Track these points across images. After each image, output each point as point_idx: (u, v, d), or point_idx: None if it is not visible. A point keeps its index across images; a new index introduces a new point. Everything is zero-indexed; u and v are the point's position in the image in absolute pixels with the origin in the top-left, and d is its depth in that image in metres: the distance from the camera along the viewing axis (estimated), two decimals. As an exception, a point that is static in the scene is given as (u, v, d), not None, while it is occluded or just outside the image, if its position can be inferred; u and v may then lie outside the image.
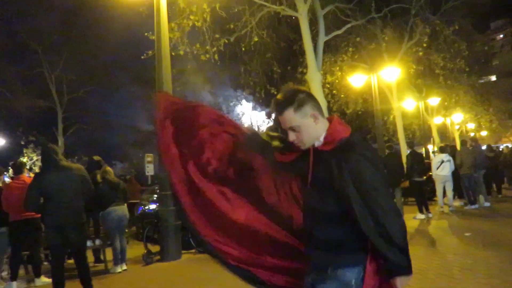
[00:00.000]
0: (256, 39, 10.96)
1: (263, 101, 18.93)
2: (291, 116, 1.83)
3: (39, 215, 5.46)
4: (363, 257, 1.76)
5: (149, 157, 18.75)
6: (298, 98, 1.84)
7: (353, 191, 1.71)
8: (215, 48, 10.54)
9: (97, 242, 7.01)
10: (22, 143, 24.22)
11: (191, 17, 9.53)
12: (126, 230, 7.23)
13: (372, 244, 1.71)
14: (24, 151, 25.06)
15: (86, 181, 4.77)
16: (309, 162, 1.87)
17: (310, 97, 1.89)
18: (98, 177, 6.32)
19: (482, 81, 30.21)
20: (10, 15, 19.70)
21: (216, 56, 10.78)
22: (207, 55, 10.55)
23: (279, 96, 1.89)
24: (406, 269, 1.72)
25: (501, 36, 58.70)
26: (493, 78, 40.00)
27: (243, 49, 11.54)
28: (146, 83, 21.11)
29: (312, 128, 1.84)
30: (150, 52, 9.76)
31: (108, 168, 6.72)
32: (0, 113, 22.07)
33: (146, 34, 9.50)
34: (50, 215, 4.49)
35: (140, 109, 27.47)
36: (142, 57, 10.25)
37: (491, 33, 50.96)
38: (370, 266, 1.75)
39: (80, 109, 23.36)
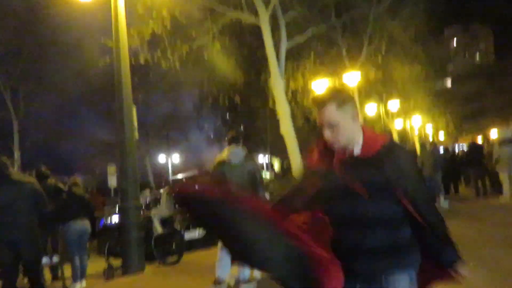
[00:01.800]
0: (218, 46, 10.89)
1: (226, 108, 18.87)
2: (332, 112, 1.83)
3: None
4: (415, 258, 1.86)
5: (112, 169, 18.25)
6: (342, 95, 1.90)
7: (417, 190, 1.84)
8: (175, 56, 10.40)
9: (55, 259, 6.69)
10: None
11: (150, 23, 9.35)
12: (87, 245, 6.96)
13: (428, 242, 1.88)
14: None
15: (39, 195, 4.55)
16: (347, 170, 1.84)
17: (353, 99, 1.96)
18: (62, 188, 6.09)
19: (438, 86, 31.43)
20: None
21: (177, 64, 10.62)
22: (167, 64, 10.39)
23: (322, 93, 1.95)
24: (461, 258, 1.94)
25: (454, 42, 61.51)
26: (449, 83, 41.68)
27: (206, 57, 11.45)
28: (106, 91, 20.57)
29: (349, 128, 1.85)
30: (108, 59, 9.49)
31: (77, 180, 6.49)
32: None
33: (102, 41, 9.20)
34: (0, 230, 4.25)
35: (102, 119, 26.70)
36: (100, 64, 9.95)
37: (445, 38, 53.24)
38: (422, 265, 1.87)
39: (38, 120, 22.47)
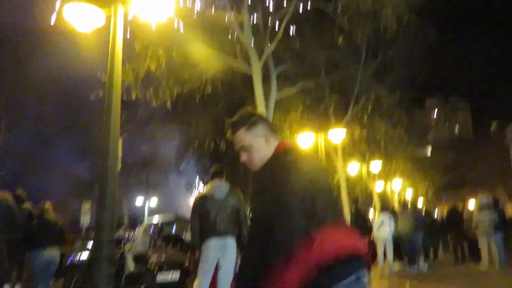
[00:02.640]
0: (209, 90, 11.08)
1: (210, 154, 18.86)
2: (243, 135, 1.88)
3: None
4: None
5: (86, 206, 17.68)
6: (251, 119, 1.92)
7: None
8: (167, 95, 10.51)
9: (17, 287, 6.28)
10: None
11: (147, 61, 9.50)
12: (52, 280, 6.58)
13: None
14: None
15: (12, 215, 4.33)
16: None
17: (263, 119, 1.98)
18: (32, 211, 5.82)
19: (419, 153, 32.22)
20: None
21: (168, 103, 10.72)
22: (158, 102, 10.48)
23: (233, 118, 1.96)
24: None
25: (435, 113, 63.99)
26: (429, 151, 42.77)
27: (197, 99, 11.59)
28: (89, 126, 20.38)
29: (262, 149, 1.87)
30: (100, 92, 9.51)
31: (48, 206, 6.23)
32: None
33: (98, 75, 9.29)
34: None
35: (80, 155, 26.18)
36: (91, 98, 9.95)
37: (426, 108, 55.42)
38: None
39: (15, 150, 21.90)
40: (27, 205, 6.39)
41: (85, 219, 17.12)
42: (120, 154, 7.54)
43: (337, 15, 10.42)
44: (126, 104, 10.39)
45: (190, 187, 34.87)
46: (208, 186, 5.12)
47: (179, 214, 18.27)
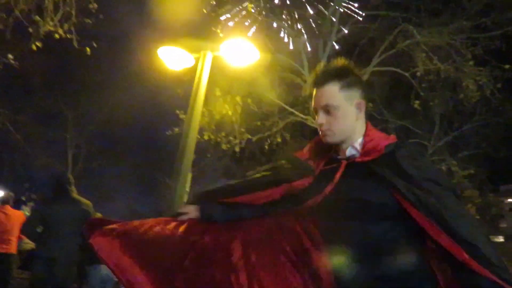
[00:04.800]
0: (279, 139, 11.32)
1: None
2: (333, 92, 1.47)
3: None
4: None
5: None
6: (351, 77, 1.50)
7: (440, 200, 1.31)
8: (238, 141, 10.86)
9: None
10: (24, 198, 23.89)
11: (225, 105, 10.00)
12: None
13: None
14: (23, 208, 24.59)
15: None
16: (340, 179, 1.44)
17: (364, 85, 1.57)
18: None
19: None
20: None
21: (237, 148, 11.05)
22: (228, 145, 10.84)
23: (325, 67, 1.54)
24: None
25: (509, 200, 59.41)
26: (501, 239, 39.46)
27: (266, 148, 11.83)
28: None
29: (351, 119, 1.47)
30: (176, 129, 10.09)
31: None
32: (12, 166, 22.15)
33: (177, 111, 9.91)
34: (44, 245, 4.27)
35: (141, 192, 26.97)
36: (168, 133, 10.56)
37: (500, 195, 51.67)
38: None
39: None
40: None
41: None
42: (188, 188, 7.88)
43: (414, 80, 10.38)
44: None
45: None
46: None
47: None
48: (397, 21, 10.69)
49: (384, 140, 1.46)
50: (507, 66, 9.27)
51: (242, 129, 10.94)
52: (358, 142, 1.48)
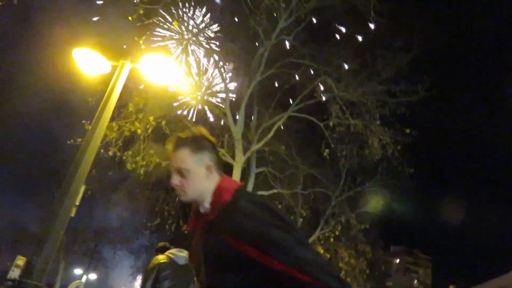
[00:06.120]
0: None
1: (169, 237, 17.87)
2: (185, 156, 1.62)
3: None
4: None
5: (20, 260, 16.23)
6: (200, 142, 1.65)
7: (264, 241, 1.48)
8: (144, 162, 10.33)
9: None
10: None
11: (136, 123, 9.51)
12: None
13: None
14: None
15: None
16: (200, 235, 1.68)
17: (213, 148, 1.69)
18: None
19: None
20: None
21: (142, 171, 10.49)
22: (133, 166, 10.26)
23: (182, 134, 1.70)
24: None
25: (397, 260, 63.81)
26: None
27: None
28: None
29: (200, 180, 1.62)
30: (79, 139, 9.32)
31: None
32: None
33: (83, 122, 9.19)
34: None
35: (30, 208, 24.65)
36: (69, 142, 9.73)
37: (390, 255, 55.29)
38: None
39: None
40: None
41: (15, 273, 15.59)
42: (78, 202, 7.15)
43: (327, 131, 10.85)
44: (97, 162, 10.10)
45: (135, 272, 31.75)
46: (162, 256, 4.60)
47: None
48: (319, 72, 11.22)
49: (225, 195, 1.59)
50: (408, 131, 10.15)
51: (151, 151, 10.46)
52: (207, 200, 1.63)
